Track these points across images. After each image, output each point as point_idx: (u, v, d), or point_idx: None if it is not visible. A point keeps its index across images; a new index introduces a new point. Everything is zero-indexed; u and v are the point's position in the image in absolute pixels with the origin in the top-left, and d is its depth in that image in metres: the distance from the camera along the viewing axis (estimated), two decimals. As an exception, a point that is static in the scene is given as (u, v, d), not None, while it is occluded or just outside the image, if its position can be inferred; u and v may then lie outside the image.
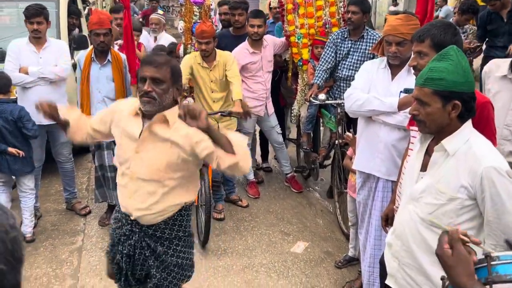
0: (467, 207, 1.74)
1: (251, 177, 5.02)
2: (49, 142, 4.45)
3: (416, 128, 2.41)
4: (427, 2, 3.65)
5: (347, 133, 3.47)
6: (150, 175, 2.23)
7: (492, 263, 1.12)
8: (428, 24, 2.35)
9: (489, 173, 1.67)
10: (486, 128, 2.09)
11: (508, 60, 3.08)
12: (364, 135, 3.03)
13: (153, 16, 5.94)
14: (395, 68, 2.92)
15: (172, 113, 2.17)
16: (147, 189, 2.25)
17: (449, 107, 1.74)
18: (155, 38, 5.76)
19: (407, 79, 2.85)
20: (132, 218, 2.34)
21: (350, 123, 4.49)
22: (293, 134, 6.11)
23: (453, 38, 2.23)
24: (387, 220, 2.69)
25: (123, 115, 2.31)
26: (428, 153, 1.88)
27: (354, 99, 2.94)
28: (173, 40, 5.93)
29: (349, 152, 3.54)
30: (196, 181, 2.44)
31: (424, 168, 1.87)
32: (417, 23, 2.87)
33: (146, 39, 5.90)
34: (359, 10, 4.13)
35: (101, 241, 4.10)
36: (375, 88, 2.94)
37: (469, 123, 1.79)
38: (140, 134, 2.22)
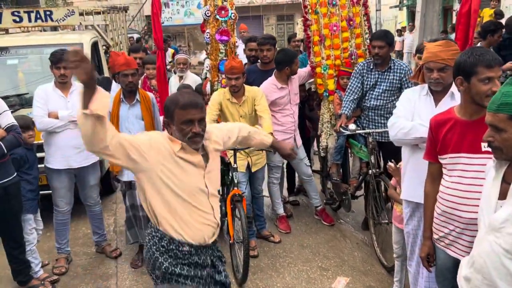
0: None
1: (281, 211, 4.93)
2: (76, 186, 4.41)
3: (454, 155, 2.38)
4: (468, 28, 3.66)
5: (389, 163, 3.40)
6: (216, 189, 2.47)
7: None
8: (486, 51, 2.35)
9: None
10: None
11: None
12: (410, 164, 2.96)
13: (179, 56, 5.97)
14: (437, 95, 2.88)
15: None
16: (216, 202, 2.45)
17: None
18: (181, 78, 5.79)
19: (451, 104, 2.80)
20: (208, 242, 2.39)
21: (381, 152, 4.45)
22: (315, 166, 6.06)
23: None
24: (429, 259, 2.60)
25: (168, 152, 2.28)
26: (506, 180, 1.80)
27: (398, 127, 2.90)
28: (199, 79, 5.97)
29: (393, 182, 3.46)
30: None
31: (502, 196, 1.79)
32: (457, 49, 2.86)
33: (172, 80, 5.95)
34: (385, 44, 4.15)
35: (135, 284, 3.99)
36: (419, 116, 2.90)
37: None
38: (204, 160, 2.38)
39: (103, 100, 2.02)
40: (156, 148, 2.25)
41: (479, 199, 2.25)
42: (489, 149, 1.97)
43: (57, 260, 4.31)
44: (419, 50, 4.24)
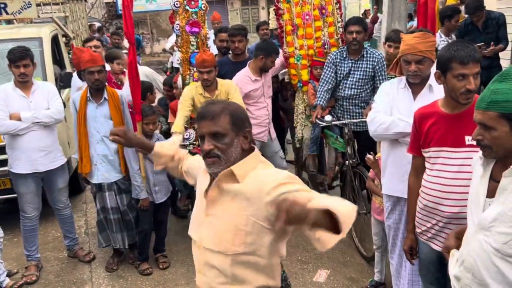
0: None
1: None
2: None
3: (437, 149, 2.37)
4: (426, 20, 3.66)
5: (368, 155, 3.38)
6: (217, 245, 1.79)
7: None
8: (466, 44, 2.30)
9: None
10: None
11: None
12: (390, 158, 2.94)
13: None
14: (415, 87, 2.85)
15: (243, 166, 1.79)
16: (215, 264, 1.81)
17: None
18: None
19: (429, 96, 2.78)
20: None
21: (357, 141, 4.44)
22: (289, 156, 6.02)
23: None
24: (412, 252, 2.61)
25: (201, 170, 1.98)
26: (493, 178, 1.78)
27: (378, 122, 2.86)
28: (149, 71, 5.67)
29: (371, 174, 3.44)
30: (276, 261, 1.89)
31: (490, 194, 1.77)
32: (434, 40, 2.83)
33: None
34: (362, 29, 4.11)
35: (112, 289, 3.87)
36: (398, 109, 2.87)
37: None
38: (206, 192, 1.87)
39: (163, 147, 2.30)
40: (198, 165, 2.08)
41: (461, 193, 2.26)
42: (473, 143, 1.95)
43: (26, 267, 4.12)
44: (389, 38, 4.22)
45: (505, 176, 1.72)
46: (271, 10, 5.21)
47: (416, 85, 2.84)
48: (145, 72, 5.74)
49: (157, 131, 4.16)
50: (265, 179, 1.72)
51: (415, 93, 2.85)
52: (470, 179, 1.97)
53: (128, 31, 3.81)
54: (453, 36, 5.80)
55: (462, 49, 2.25)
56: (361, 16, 18.01)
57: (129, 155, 3.87)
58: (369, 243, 3.87)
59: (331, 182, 4.68)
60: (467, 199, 1.95)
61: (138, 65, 5.39)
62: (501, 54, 6.00)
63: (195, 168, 2.13)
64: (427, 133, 2.42)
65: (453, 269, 1.93)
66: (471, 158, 2.01)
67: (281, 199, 1.48)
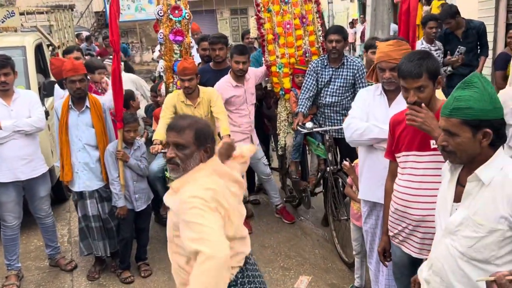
0: (509, 238, 1.68)
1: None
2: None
3: (406, 153, 2.42)
4: (408, 28, 3.72)
5: (344, 162, 3.42)
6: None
7: None
8: (412, 58, 2.30)
9: None
10: None
11: None
12: (366, 164, 2.98)
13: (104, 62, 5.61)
14: (391, 94, 2.91)
15: (182, 179, 2.03)
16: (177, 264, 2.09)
17: (480, 135, 1.70)
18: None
19: (404, 103, 2.81)
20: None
21: (338, 148, 4.48)
22: (274, 163, 6.05)
23: (437, 63, 2.33)
24: (385, 253, 2.65)
25: None
26: (460, 183, 1.82)
27: (353, 128, 2.91)
28: (136, 78, 5.68)
29: (349, 180, 3.48)
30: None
31: (457, 198, 1.81)
32: (408, 47, 2.89)
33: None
34: (341, 38, 4.17)
35: (93, 298, 3.85)
36: (374, 116, 2.92)
37: (501, 150, 1.75)
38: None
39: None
40: None
41: (428, 196, 2.30)
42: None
43: (6, 277, 4.07)
44: (369, 46, 4.29)
45: (469, 181, 1.76)
46: (252, 19, 5.25)
47: (391, 91, 2.89)
48: (131, 78, 5.76)
49: (139, 138, 4.17)
50: (184, 197, 1.92)
51: (391, 99, 2.90)
52: (437, 182, 2.01)
53: (113, 38, 3.82)
54: (437, 43, 5.88)
55: (405, 63, 2.29)
56: (348, 24, 18.27)
57: (108, 163, 3.87)
58: (350, 249, 3.89)
59: (313, 188, 4.71)
60: (434, 202, 1.99)
61: (123, 72, 5.44)
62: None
63: None
64: (399, 138, 2.47)
65: (423, 273, 1.96)
66: (436, 161, 2.05)
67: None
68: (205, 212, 1.83)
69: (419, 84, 2.25)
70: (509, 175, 1.69)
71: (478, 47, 5.88)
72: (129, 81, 5.51)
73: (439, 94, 2.54)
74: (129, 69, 6.59)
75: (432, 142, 2.30)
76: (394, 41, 2.84)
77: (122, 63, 5.80)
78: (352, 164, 3.36)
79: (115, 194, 3.90)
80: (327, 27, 4.80)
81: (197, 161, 2.04)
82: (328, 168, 4.20)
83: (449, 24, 5.71)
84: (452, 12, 5.69)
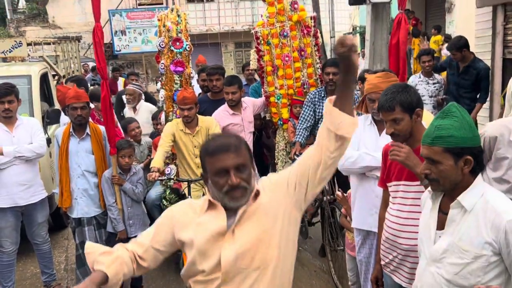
0: (494, 263, 1.70)
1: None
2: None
3: (396, 183, 2.45)
4: (398, 60, 3.83)
5: (337, 192, 3.45)
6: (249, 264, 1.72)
7: None
8: (387, 91, 2.39)
9: None
10: None
11: None
12: (359, 192, 3.01)
13: (128, 87, 5.91)
14: (380, 124, 2.96)
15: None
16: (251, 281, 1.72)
17: (461, 163, 1.75)
18: (134, 109, 5.70)
19: (394, 133, 2.88)
20: None
21: (335, 178, 4.51)
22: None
23: (416, 96, 2.37)
24: (378, 282, 2.65)
25: (189, 217, 1.83)
26: (442, 210, 1.85)
27: (345, 157, 2.95)
28: (154, 108, 5.89)
29: (343, 211, 3.50)
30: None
31: (440, 226, 1.84)
32: (396, 79, 2.97)
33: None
34: (338, 70, 4.26)
35: (86, 327, 3.80)
36: (364, 145, 2.97)
37: (480, 177, 1.79)
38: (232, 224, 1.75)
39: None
40: (170, 219, 1.89)
41: (416, 225, 2.31)
42: None
43: (1, 304, 4.07)
44: (361, 78, 4.39)
45: (452, 207, 1.80)
46: (252, 51, 5.39)
47: (381, 121, 2.94)
48: (149, 108, 5.94)
49: (135, 164, 4.22)
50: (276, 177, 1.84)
51: (381, 129, 2.96)
52: None
53: (100, 66, 3.90)
54: (436, 77, 5.95)
55: (381, 97, 2.40)
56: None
57: (105, 188, 3.92)
58: (347, 280, 3.85)
59: (311, 218, 4.71)
60: None
61: (142, 101, 5.62)
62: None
63: (164, 230, 1.86)
64: (390, 167, 2.51)
65: None
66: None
67: None
68: None
69: (393, 117, 2.33)
70: (490, 201, 1.72)
71: (476, 90, 5.74)
72: (147, 110, 5.72)
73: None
74: (149, 99, 6.78)
75: None
76: (382, 73, 2.93)
77: (143, 94, 6.06)
78: (345, 195, 3.39)
79: (113, 219, 3.93)
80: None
81: (254, 176, 1.76)
82: (325, 198, 4.22)
83: (455, 55, 5.72)
84: (459, 44, 5.65)
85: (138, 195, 4.05)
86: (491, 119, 6.33)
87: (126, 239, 4.01)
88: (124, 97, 6.03)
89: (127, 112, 5.83)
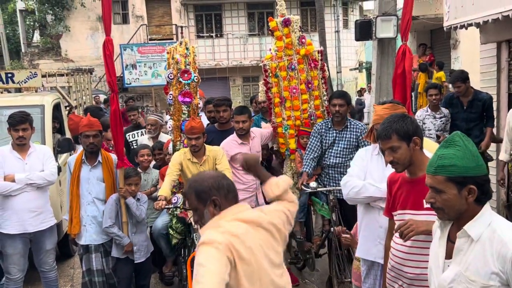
0: None
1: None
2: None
3: (402, 212, 2.47)
4: (405, 91, 3.90)
5: (337, 228, 3.47)
6: None
7: None
8: (385, 121, 2.48)
9: None
10: None
11: None
12: (364, 222, 3.03)
13: (150, 117, 5.99)
14: (388, 154, 3.00)
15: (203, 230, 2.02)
16: None
17: (465, 192, 1.76)
18: (153, 139, 5.77)
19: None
20: None
21: (343, 208, 4.51)
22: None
23: (413, 125, 2.43)
24: None
25: None
26: (450, 239, 1.86)
27: (350, 186, 2.99)
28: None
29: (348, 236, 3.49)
30: None
31: (448, 255, 1.84)
32: (404, 110, 3.03)
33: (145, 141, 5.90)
34: (345, 102, 4.36)
35: None
36: (371, 175, 3.01)
37: (487, 206, 1.80)
38: None
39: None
40: None
41: (421, 254, 2.33)
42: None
43: (6, 332, 4.05)
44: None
45: (459, 237, 1.80)
46: (260, 83, 5.51)
47: (389, 152, 2.99)
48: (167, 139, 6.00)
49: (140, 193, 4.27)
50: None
51: (387, 160, 2.99)
52: (430, 241, 2.05)
53: (111, 79, 3.97)
54: (443, 110, 5.96)
55: (382, 125, 2.47)
56: (356, 93, 18.80)
57: (107, 210, 3.98)
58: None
59: (318, 249, 4.69)
60: (427, 261, 2.02)
61: (162, 134, 5.69)
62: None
63: None
64: (395, 196, 2.54)
65: None
66: (430, 221, 2.10)
67: None
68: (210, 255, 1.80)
69: (390, 145, 2.39)
70: (497, 231, 1.72)
71: (484, 119, 5.83)
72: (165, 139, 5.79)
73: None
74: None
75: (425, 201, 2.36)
76: (390, 105, 3.00)
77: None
78: (351, 232, 3.36)
79: (117, 236, 3.95)
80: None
81: (209, 216, 2.03)
82: (332, 229, 4.21)
83: (459, 88, 5.73)
84: (463, 76, 5.74)
85: (141, 211, 4.07)
86: (498, 152, 6.33)
87: (132, 264, 4.01)
88: (128, 135, 6.12)
89: (146, 141, 5.84)
